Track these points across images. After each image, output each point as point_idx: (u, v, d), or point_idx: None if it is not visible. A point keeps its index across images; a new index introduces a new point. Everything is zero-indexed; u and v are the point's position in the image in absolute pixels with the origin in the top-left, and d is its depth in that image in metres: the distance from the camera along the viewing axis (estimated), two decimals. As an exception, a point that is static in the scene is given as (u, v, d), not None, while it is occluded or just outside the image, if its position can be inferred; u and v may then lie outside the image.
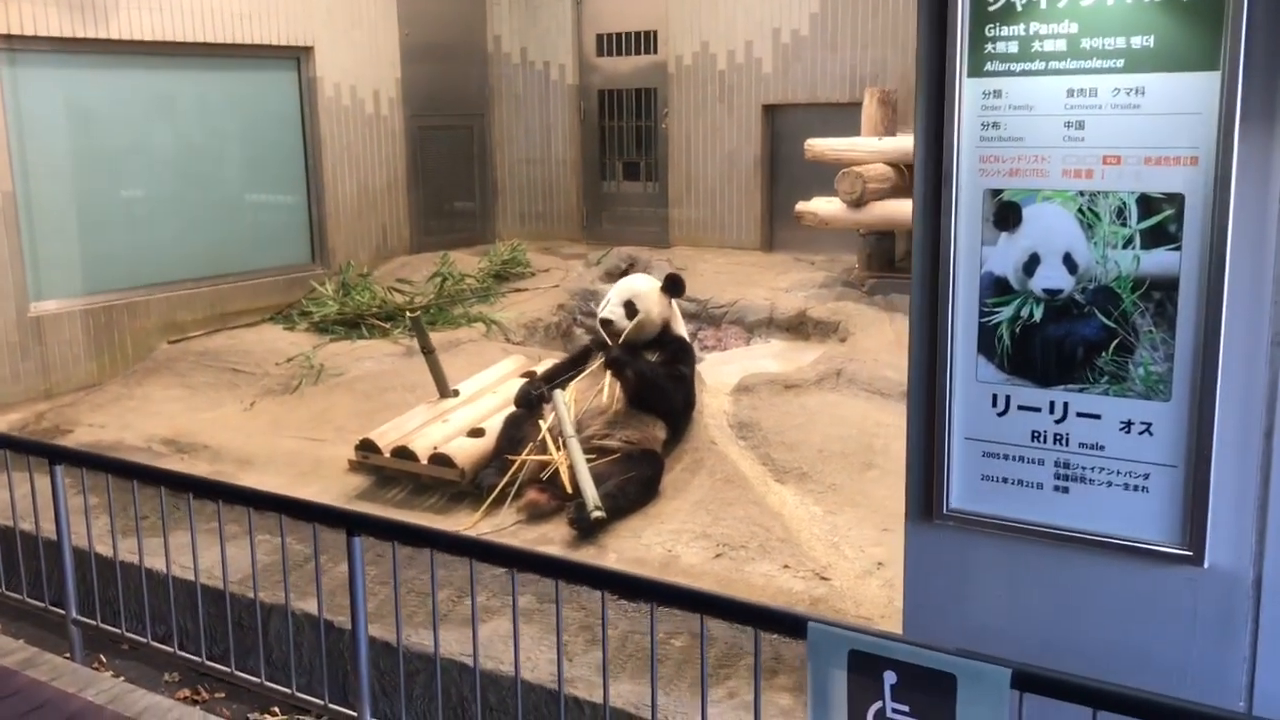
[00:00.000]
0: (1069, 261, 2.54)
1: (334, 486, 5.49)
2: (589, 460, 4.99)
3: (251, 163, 8.54)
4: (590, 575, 2.83)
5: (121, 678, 4.26)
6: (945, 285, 2.69)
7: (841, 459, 5.23)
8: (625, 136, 10.21)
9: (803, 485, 5.09)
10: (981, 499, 2.74)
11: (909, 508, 2.88)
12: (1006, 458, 2.70)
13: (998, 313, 2.65)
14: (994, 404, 2.70)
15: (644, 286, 5.52)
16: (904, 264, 8.07)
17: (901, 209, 7.05)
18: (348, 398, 6.57)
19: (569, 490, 4.91)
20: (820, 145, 7.51)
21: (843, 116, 8.74)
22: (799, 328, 7.28)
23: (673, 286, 5.55)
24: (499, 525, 4.91)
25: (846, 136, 7.80)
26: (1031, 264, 2.59)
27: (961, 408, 2.74)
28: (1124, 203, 2.46)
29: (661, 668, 3.66)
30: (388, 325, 7.53)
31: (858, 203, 7.04)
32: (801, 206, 7.49)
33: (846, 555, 4.49)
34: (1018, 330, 2.63)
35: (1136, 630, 2.56)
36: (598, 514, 4.66)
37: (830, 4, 8.77)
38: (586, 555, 4.63)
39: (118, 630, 4.05)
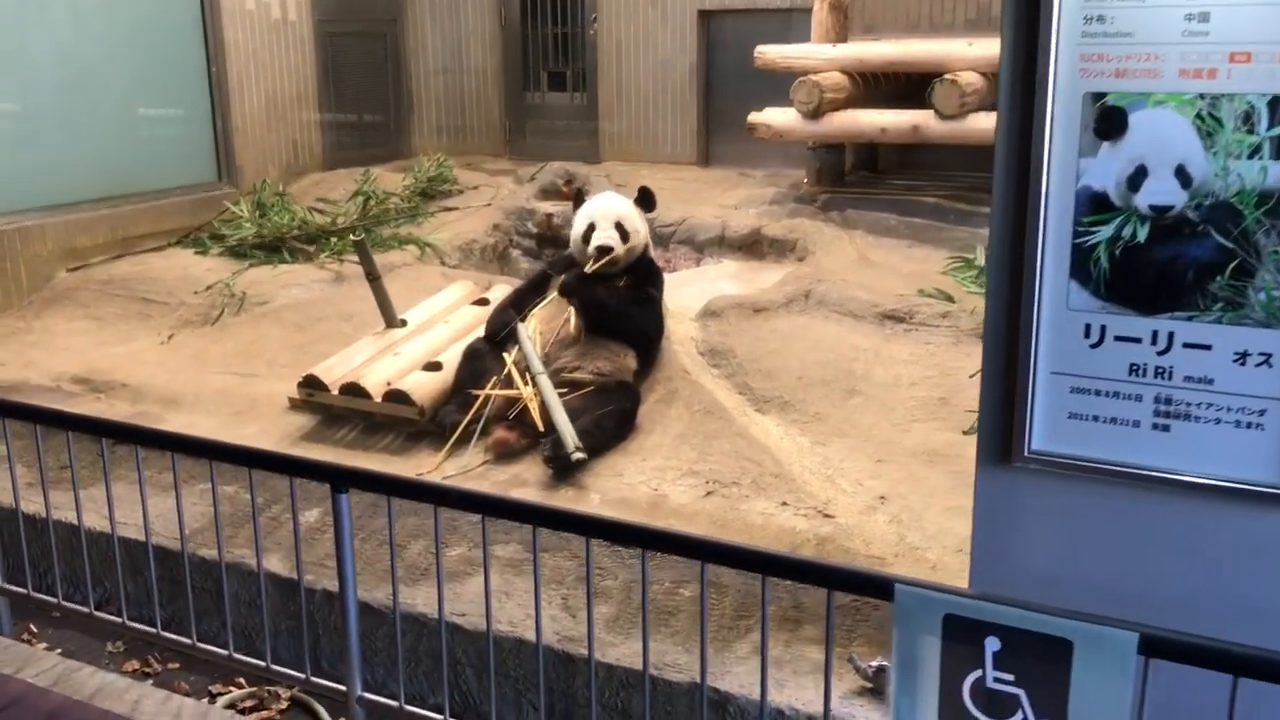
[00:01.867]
0: (1182, 174, 2.25)
1: (274, 427, 5.04)
2: (560, 394, 4.63)
3: (149, 72, 7.80)
4: (634, 534, 2.50)
5: (59, 651, 3.82)
6: (1035, 203, 2.38)
7: (823, 386, 4.97)
8: (550, 44, 9.66)
9: (785, 415, 4.82)
10: (1068, 440, 2.47)
11: (982, 450, 2.60)
12: (1099, 393, 2.43)
13: (1095, 233, 2.36)
14: (1086, 334, 2.42)
15: (626, 207, 5.12)
16: (855, 178, 7.81)
17: (860, 120, 6.75)
18: (277, 329, 6.07)
19: (541, 428, 4.56)
20: (771, 52, 7.13)
21: (784, 23, 8.36)
22: (753, 247, 6.97)
23: (645, 201, 5.16)
24: (465, 466, 4.55)
25: (790, 44, 7.42)
26: (1137, 177, 2.30)
27: (1049, 339, 2.45)
28: (1252, 106, 2.17)
29: (675, 620, 3.38)
30: (311, 249, 7.00)
31: (815, 113, 6.71)
32: (754, 118, 7.13)
33: (845, 490, 4.25)
34: (1118, 252, 2.34)
35: (1247, 583, 2.34)
36: (579, 455, 4.32)
37: (770, -97, 8.34)
38: (566, 498, 4.31)
39: (54, 600, 3.58)
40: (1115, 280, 2.36)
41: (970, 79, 6.38)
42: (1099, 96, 2.30)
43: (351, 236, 5.55)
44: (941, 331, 5.36)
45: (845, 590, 2.42)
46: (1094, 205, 2.35)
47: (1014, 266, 2.46)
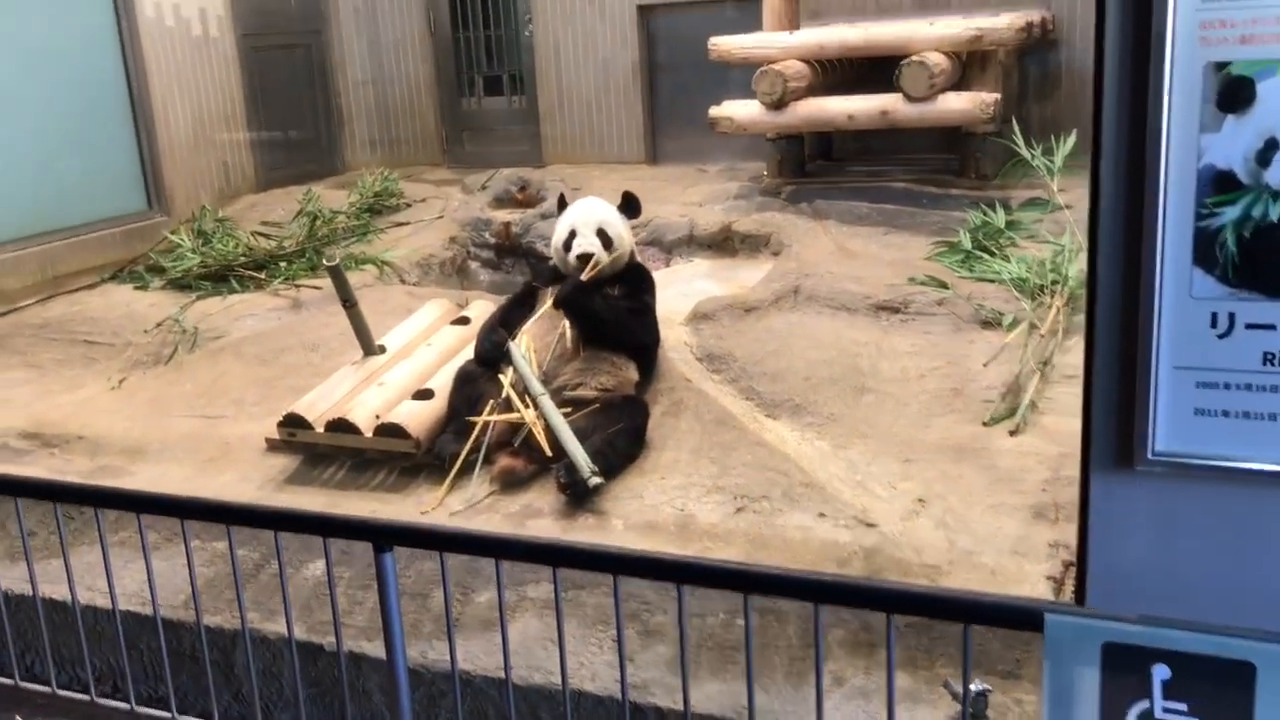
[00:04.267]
0: (1318, 146, 2.08)
1: (254, 472, 4.70)
2: (564, 414, 4.37)
3: (67, 99, 7.32)
4: (733, 577, 2.26)
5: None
6: (1153, 187, 2.19)
7: (831, 385, 4.78)
8: (483, 48, 9.35)
9: (799, 419, 4.61)
10: (1196, 439, 2.28)
11: (1094, 455, 2.40)
12: (1229, 387, 2.25)
13: (1220, 214, 2.17)
14: (1214, 324, 2.23)
15: (607, 212, 4.87)
16: (814, 167, 7.64)
17: (827, 107, 6.57)
18: (238, 364, 5.70)
19: (548, 453, 4.29)
20: (726, 44, 6.93)
21: (723, 15, 8.17)
22: (723, 244, 6.76)
23: (630, 207, 4.92)
24: (471, 499, 4.26)
25: (743, 34, 7.22)
26: (1268, 152, 2.11)
27: (1171, 330, 2.26)
28: (1397, 69, 2.01)
29: (742, 654, 3.14)
30: (261, 276, 6.61)
31: (778, 104, 6.52)
32: (715, 111, 6.92)
33: (879, 495, 4.05)
34: (1247, 234, 2.16)
35: None
36: (595, 480, 4.06)
37: (706, -109, 8.14)
38: (587, 525, 4.06)
39: (46, 688, 3.23)
40: (1245, 264, 2.18)
41: (937, 59, 6.25)
42: (1222, 66, 2.11)
43: (325, 262, 5.21)
44: (940, 320, 5.21)
45: (988, 624, 2.21)
46: (1219, 185, 2.16)
47: (1128, 256, 2.26)
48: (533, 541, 2.47)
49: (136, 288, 6.83)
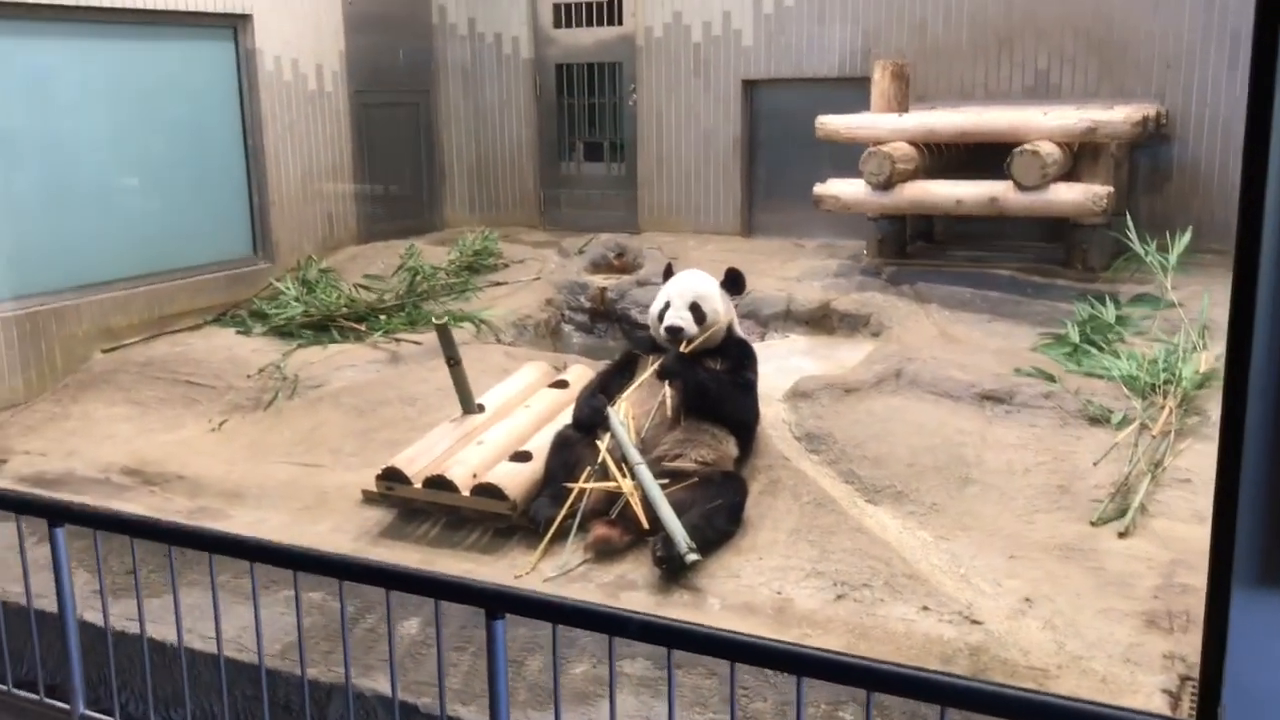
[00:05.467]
0: None
1: (349, 523, 4.72)
2: (661, 486, 4.33)
3: (186, 145, 7.55)
4: (859, 673, 2.19)
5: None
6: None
7: (934, 474, 4.68)
8: (587, 114, 9.49)
9: (900, 506, 4.52)
10: (1357, 561, 2.19)
11: (1237, 569, 2.30)
12: (1396, 507, 2.15)
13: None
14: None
15: (706, 286, 4.85)
16: (914, 249, 7.59)
17: (934, 191, 6.53)
18: (336, 414, 5.76)
19: (645, 524, 4.25)
20: (834, 123, 6.94)
21: (829, 93, 8.20)
22: (821, 321, 6.72)
23: (734, 283, 4.89)
24: (564, 566, 4.23)
25: (846, 114, 7.22)
26: None
27: (1333, 446, 2.17)
28: None
29: (843, 751, 3.06)
30: (361, 327, 6.71)
31: (885, 185, 6.49)
32: (820, 189, 6.92)
33: (984, 590, 3.94)
34: None
35: None
36: (693, 556, 4.01)
37: (818, -28, 8.21)
38: (681, 602, 3.99)
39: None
40: None
41: (1049, 149, 6.19)
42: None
43: (433, 320, 5.25)
44: (1046, 413, 5.09)
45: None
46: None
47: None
48: (650, 620, 2.42)
49: (238, 332, 6.96)
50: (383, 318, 6.79)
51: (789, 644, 2.27)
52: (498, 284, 7.59)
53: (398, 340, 6.41)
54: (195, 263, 7.57)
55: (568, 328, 7.39)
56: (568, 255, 8.12)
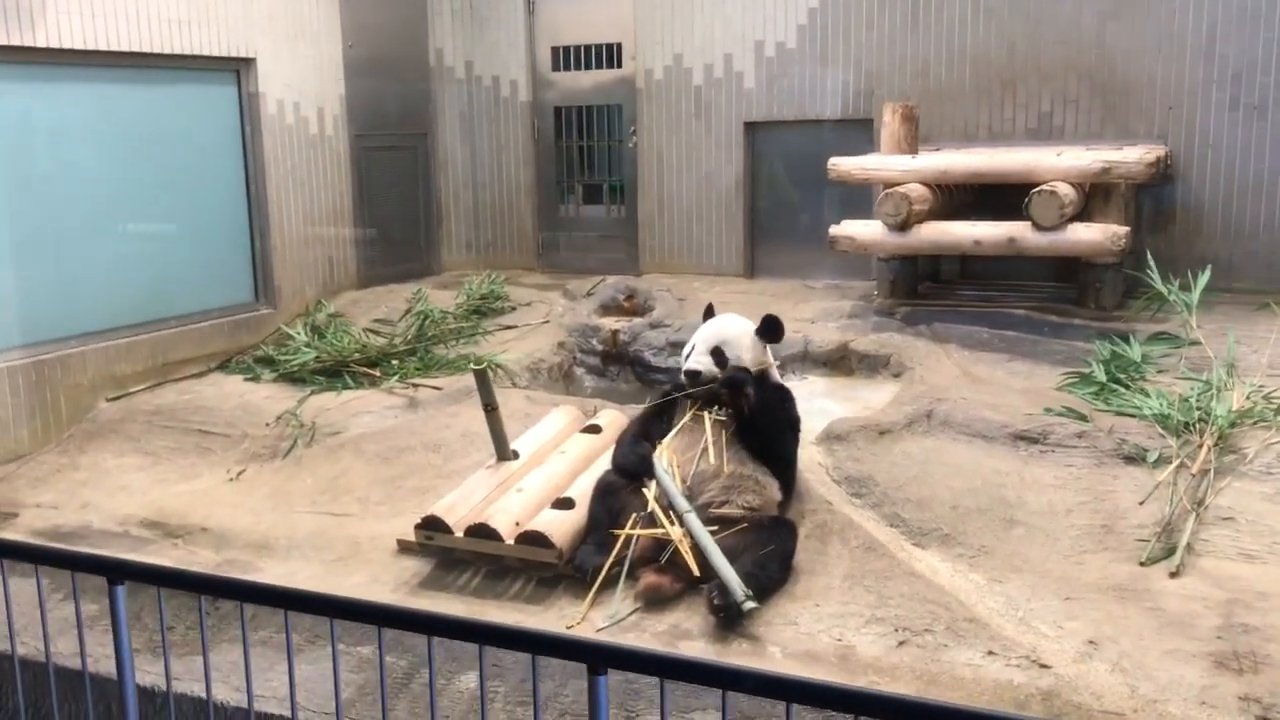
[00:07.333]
0: None
1: (385, 574, 4.62)
2: (710, 532, 4.26)
3: (189, 190, 7.45)
4: None
5: None
6: None
7: (979, 516, 4.65)
8: (585, 156, 9.47)
9: (949, 549, 4.48)
10: None
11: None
12: None
13: None
14: None
15: (734, 331, 4.80)
16: (924, 289, 7.61)
17: (951, 232, 6.55)
18: (358, 462, 5.65)
19: (696, 571, 4.18)
20: (846, 164, 6.96)
21: (831, 134, 8.26)
22: (839, 362, 6.69)
23: (770, 330, 4.83)
24: (615, 615, 4.15)
25: (851, 156, 7.25)
26: None
27: None
28: None
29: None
30: (375, 373, 6.61)
31: (902, 226, 6.51)
32: (836, 230, 6.92)
33: (1045, 634, 3.90)
34: None
35: None
36: (750, 604, 3.94)
37: (820, 16, 8.27)
38: (740, 651, 3.93)
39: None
40: None
41: (1066, 189, 6.23)
42: None
43: (471, 365, 5.18)
44: (1081, 452, 5.08)
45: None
46: None
47: None
48: (764, 674, 2.35)
49: (247, 379, 6.84)
50: (395, 363, 6.69)
51: (919, 699, 2.21)
52: (507, 327, 7.52)
53: (415, 386, 6.31)
54: (198, 309, 7.45)
55: (580, 370, 7.33)
56: (574, 298, 8.07)
